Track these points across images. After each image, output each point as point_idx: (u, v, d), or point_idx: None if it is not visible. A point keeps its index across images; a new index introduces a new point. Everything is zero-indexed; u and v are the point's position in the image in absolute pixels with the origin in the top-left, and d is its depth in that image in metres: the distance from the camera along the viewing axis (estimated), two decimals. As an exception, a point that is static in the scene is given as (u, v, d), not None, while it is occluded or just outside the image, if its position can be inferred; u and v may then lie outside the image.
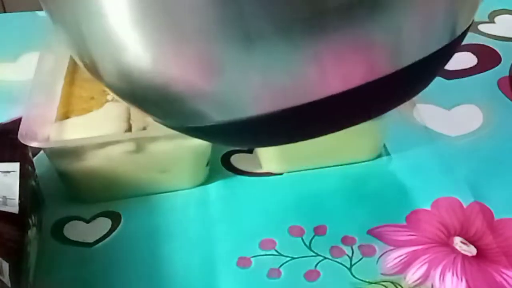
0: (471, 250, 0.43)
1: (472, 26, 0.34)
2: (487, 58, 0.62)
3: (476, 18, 0.35)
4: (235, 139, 0.32)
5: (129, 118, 0.46)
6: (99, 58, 0.27)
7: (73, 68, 0.52)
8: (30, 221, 0.42)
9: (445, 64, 0.34)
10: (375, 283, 0.41)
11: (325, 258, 0.42)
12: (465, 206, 0.46)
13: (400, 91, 0.31)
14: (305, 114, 0.27)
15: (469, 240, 0.44)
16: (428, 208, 0.46)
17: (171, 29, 0.24)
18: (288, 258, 0.42)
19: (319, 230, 0.44)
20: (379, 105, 0.31)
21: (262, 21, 0.24)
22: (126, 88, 0.28)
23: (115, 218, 0.46)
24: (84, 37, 0.27)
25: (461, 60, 0.61)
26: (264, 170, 0.49)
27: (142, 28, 0.24)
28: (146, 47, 0.25)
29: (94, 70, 0.29)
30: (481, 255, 0.42)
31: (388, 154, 0.51)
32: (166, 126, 0.32)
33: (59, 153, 0.45)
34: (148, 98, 0.28)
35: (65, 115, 0.47)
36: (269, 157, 0.49)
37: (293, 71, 0.25)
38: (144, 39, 0.25)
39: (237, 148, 0.51)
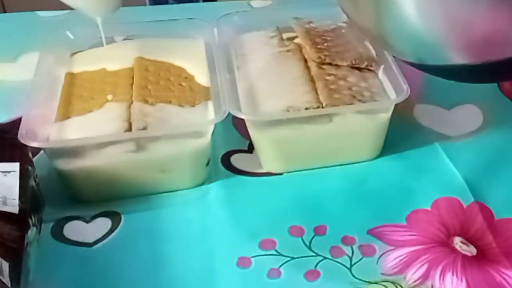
0: (471, 250, 0.43)
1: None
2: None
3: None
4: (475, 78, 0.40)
5: (129, 118, 0.46)
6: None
7: (73, 68, 0.52)
8: (30, 221, 0.42)
9: None
10: (375, 283, 0.41)
11: (325, 258, 0.42)
12: (465, 206, 0.46)
13: None
14: None
15: (469, 240, 0.44)
16: (428, 208, 0.46)
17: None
18: (288, 258, 0.42)
19: (319, 230, 0.44)
20: None
21: None
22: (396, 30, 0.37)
23: (115, 218, 0.46)
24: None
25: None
26: (264, 170, 0.49)
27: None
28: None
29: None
30: (481, 255, 0.42)
31: (388, 154, 0.51)
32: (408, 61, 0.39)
33: (59, 153, 0.45)
34: (407, 37, 0.36)
35: (65, 115, 0.47)
36: (269, 157, 0.49)
37: None
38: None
39: (236, 148, 0.51)
